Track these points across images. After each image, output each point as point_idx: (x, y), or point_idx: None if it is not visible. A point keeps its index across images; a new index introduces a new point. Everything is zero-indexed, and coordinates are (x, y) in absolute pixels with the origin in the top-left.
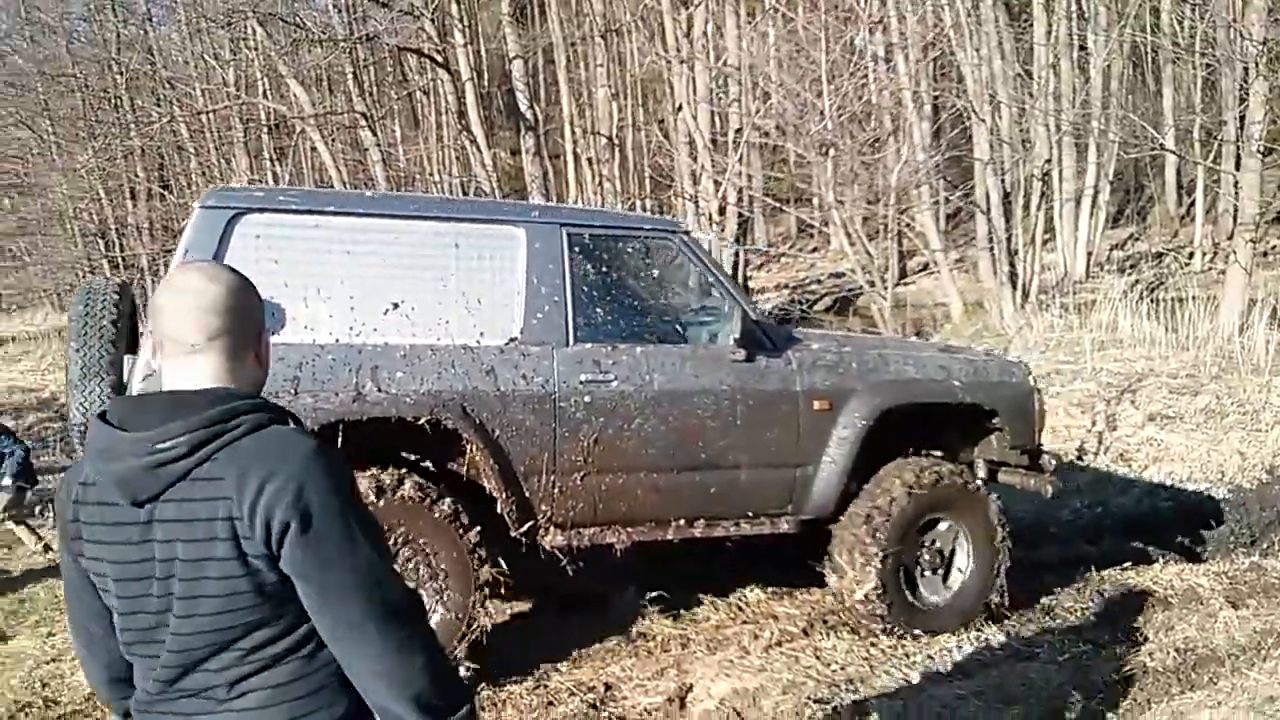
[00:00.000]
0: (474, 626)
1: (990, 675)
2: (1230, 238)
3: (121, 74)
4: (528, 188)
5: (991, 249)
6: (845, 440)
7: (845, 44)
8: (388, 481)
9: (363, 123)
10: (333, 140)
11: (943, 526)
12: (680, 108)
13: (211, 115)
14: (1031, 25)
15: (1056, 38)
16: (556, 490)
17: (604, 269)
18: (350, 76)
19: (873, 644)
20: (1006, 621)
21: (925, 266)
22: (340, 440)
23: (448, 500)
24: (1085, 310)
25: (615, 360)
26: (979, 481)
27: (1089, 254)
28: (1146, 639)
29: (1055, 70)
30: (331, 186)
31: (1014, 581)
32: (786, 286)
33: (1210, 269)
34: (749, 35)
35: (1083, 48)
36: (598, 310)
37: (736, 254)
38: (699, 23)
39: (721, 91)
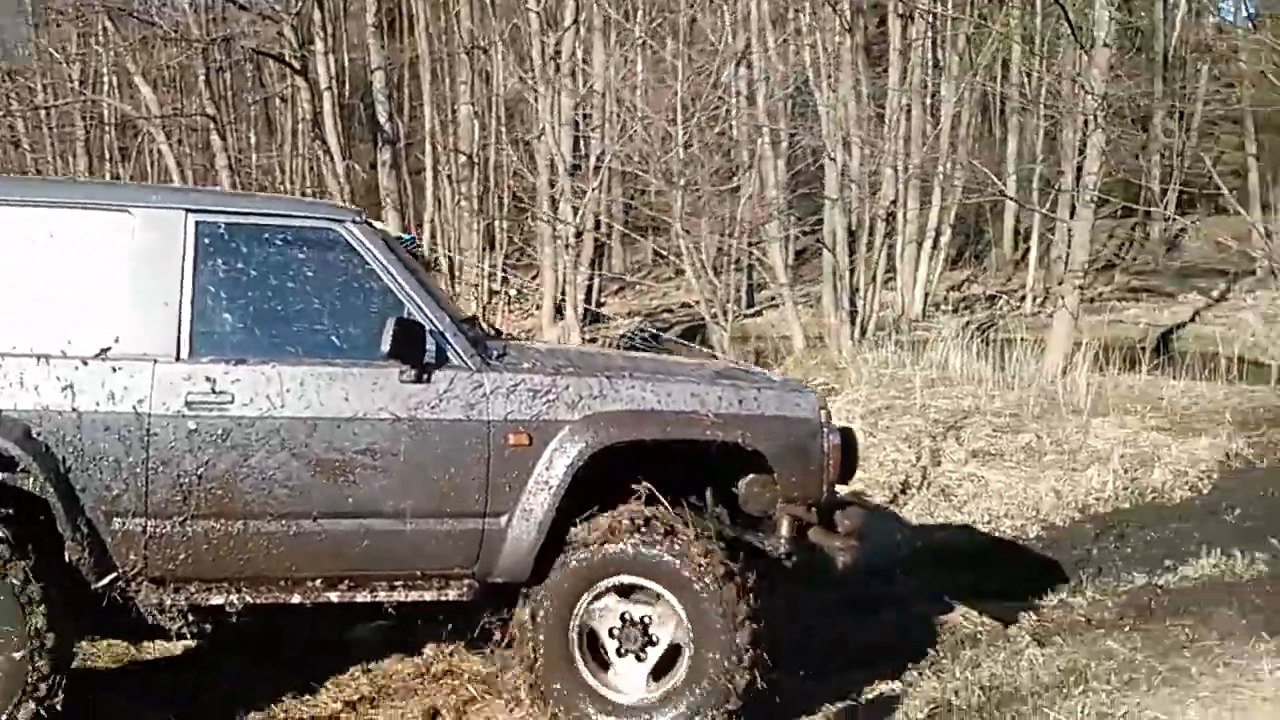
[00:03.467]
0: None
1: None
2: (1060, 283)
3: None
4: (382, 202)
5: (835, 285)
6: (546, 485)
7: (707, 76)
8: None
9: (213, 127)
10: (180, 143)
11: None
12: (543, 130)
13: (52, 111)
14: (887, 71)
15: (910, 84)
16: (148, 537)
17: (243, 267)
18: (202, 79)
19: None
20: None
21: (773, 299)
22: None
23: None
24: (919, 348)
25: (236, 378)
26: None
27: (926, 294)
28: (954, 676)
29: (907, 115)
30: None
31: (821, 617)
32: (638, 314)
33: (1039, 312)
34: (615, 62)
35: (935, 94)
36: (225, 317)
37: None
38: (567, 46)
39: (585, 117)
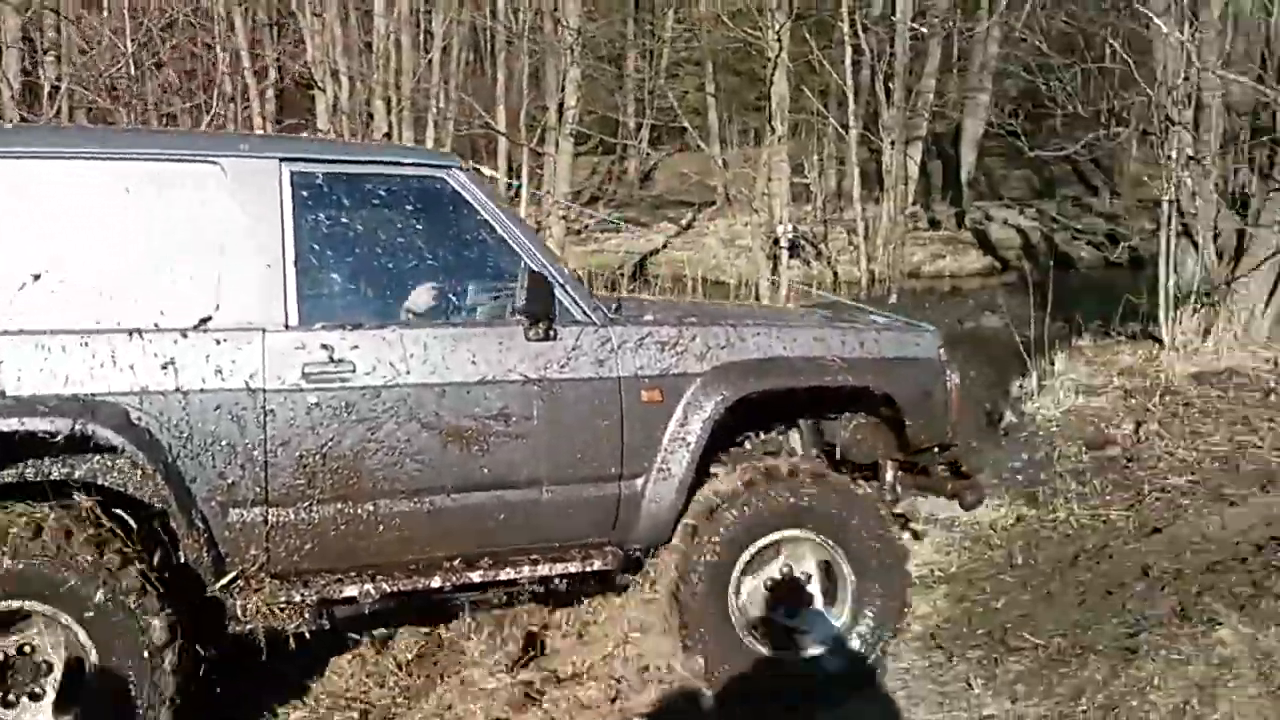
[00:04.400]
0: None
1: None
2: (548, 215)
3: None
4: None
5: None
6: (683, 442)
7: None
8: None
9: None
10: None
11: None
12: None
13: None
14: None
15: (399, 13)
16: (269, 527)
17: (347, 221)
18: None
19: None
20: None
21: None
22: None
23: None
24: None
25: (355, 345)
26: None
27: None
28: None
29: (397, 46)
30: None
31: None
32: None
33: None
34: None
35: (429, 32)
36: (333, 277)
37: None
38: None
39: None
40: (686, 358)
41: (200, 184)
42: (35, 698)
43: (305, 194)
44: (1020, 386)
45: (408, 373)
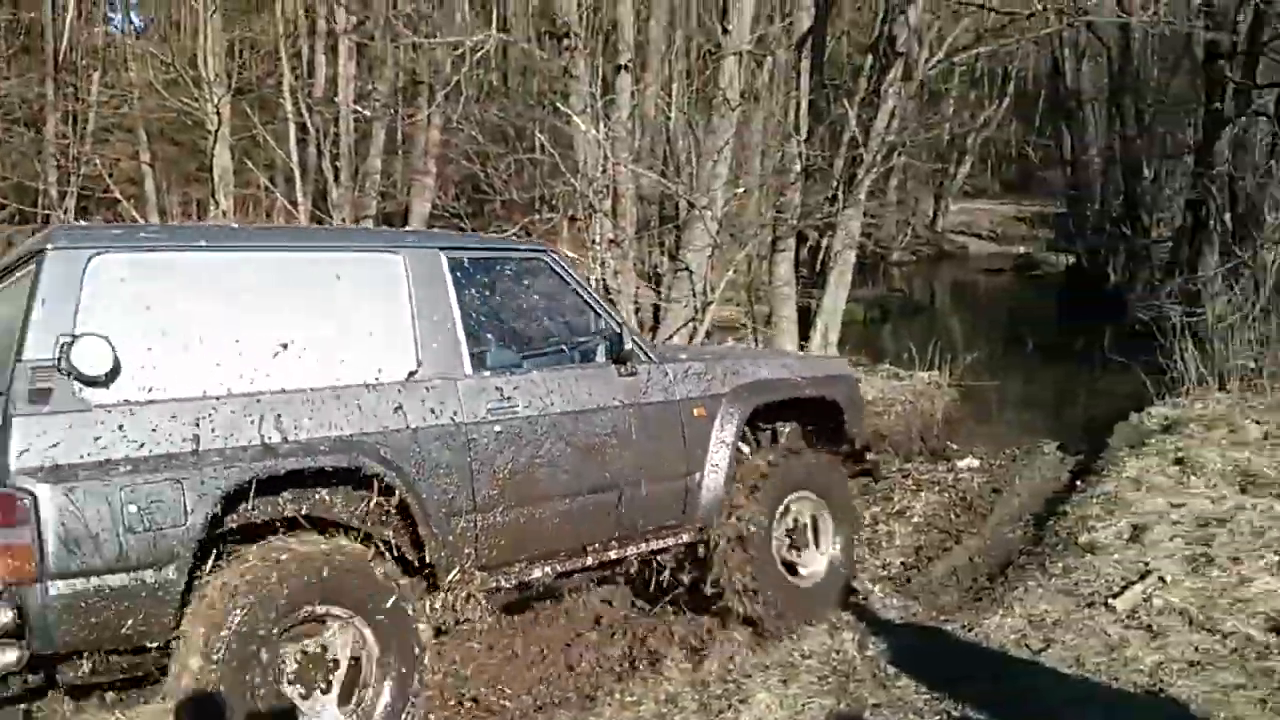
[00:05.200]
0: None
1: None
2: None
3: None
4: None
5: None
6: (725, 444)
7: None
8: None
9: None
10: None
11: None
12: None
13: None
14: None
15: None
16: (478, 529)
17: (487, 293)
18: None
19: None
20: None
21: None
22: (251, 500)
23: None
24: None
25: (516, 386)
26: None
27: None
28: None
29: None
30: None
31: None
32: None
33: None
34: None
35: None
36: (488, 335)
37: None
38: None
39: None
40: (715, 383)
41: (390, 269)
42: (324, 691)
43: (459, 274)
44: None
45: (551, 405)
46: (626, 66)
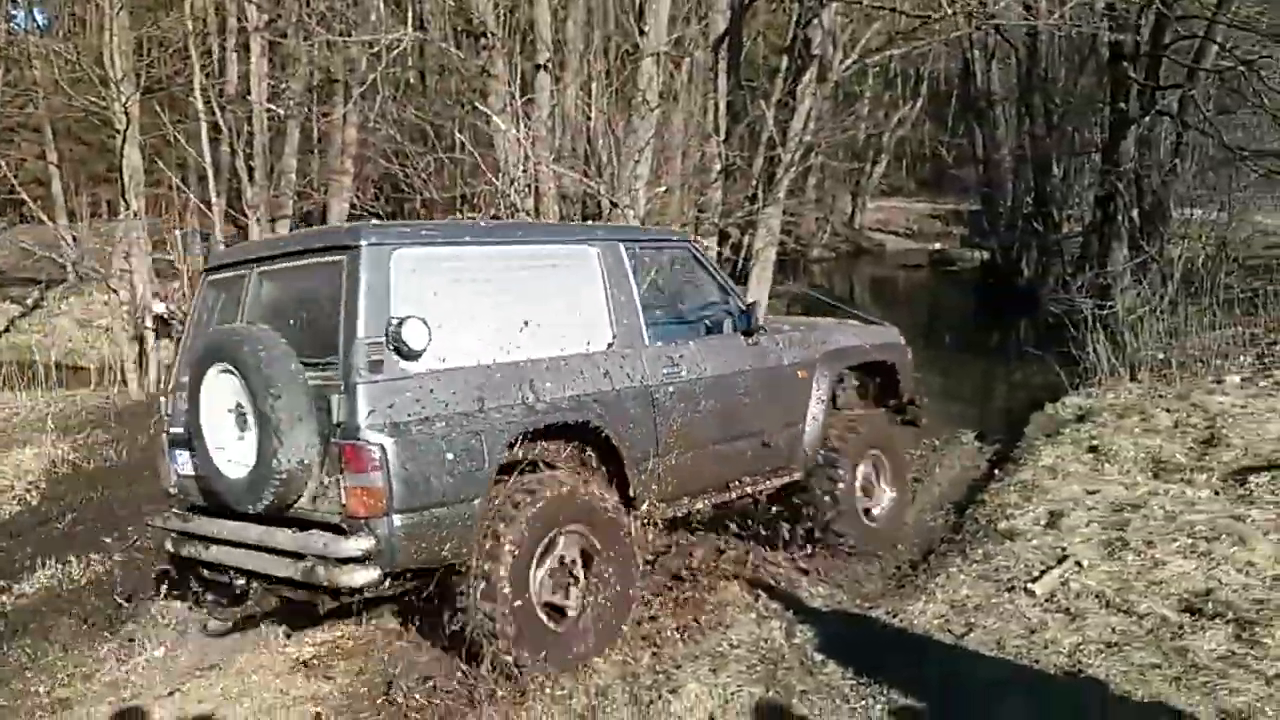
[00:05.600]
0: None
1: None
2: None
3: None
4: None
5: None
6: (821, 400)
7: None
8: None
9: None
10: None
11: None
12: None
13: None
14: None
15: None
16: (661, 470)
17: (652, 276)
18: None
19: None
20: None
21: None
22: (520, 446)
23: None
24: None
25: (680, 354)
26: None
27: None
28: None
29: None
30: None
31: None
32: None
33: None
34: None
35: None
36: (656, 313)
37: None
38: None
39: None
40: (811, 350)
41: (584, 258)
42: (568, 591)
43: (632, 262)
44: None
45: (705, 370)
46: (545, 66)
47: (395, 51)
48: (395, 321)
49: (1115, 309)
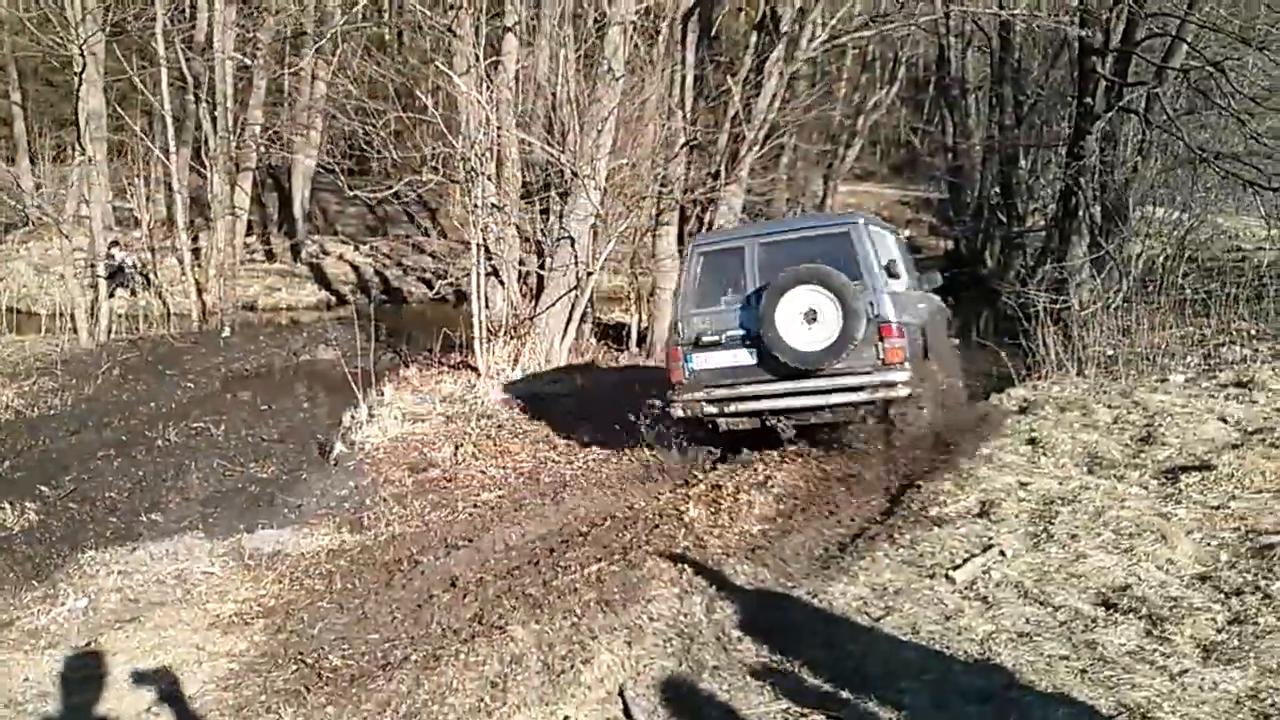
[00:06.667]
0: None
1: None
2: None
3: None
4: None
5: None
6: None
7: None
8: None
9: None
10: None
11: None
12: None
13: None
14: None
15: None
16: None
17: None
18: None
19: None
20: None
21: None
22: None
23: None
24: None
25: (919, 300)
26: None
27: None
28: None
29: None
30: None
31: None
32: None
33: None
34: None
35: None
36: (899, 268)
37: None
38: None
39: None
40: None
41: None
42: None
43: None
44: (351, 417)
45: (920, 311)
46: (512, 29)
47: (363, 2)
48: (889, 260)
49: (1070, 304)
